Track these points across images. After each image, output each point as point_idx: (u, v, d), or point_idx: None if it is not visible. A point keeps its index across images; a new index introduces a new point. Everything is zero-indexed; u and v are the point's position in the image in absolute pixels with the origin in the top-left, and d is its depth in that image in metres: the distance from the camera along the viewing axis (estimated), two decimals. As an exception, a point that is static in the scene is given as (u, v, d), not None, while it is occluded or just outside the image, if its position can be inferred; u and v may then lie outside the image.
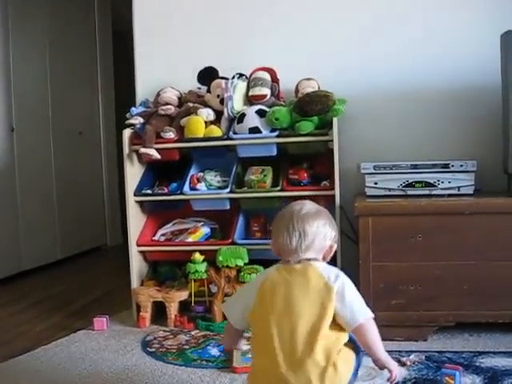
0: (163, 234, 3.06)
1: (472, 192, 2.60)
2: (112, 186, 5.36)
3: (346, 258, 2.72)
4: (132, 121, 2.95)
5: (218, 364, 2.29)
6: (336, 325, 1.64)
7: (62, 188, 4.67)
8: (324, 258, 1.77)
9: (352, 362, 1.67)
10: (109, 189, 5.36)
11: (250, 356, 2.20)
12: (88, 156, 5.13)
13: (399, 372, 1.78)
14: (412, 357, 2.25)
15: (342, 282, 1.68)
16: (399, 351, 2.33)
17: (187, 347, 2.49)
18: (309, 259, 1.71)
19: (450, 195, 2.60)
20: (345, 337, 1.67)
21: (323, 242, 1.74)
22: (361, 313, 1.67)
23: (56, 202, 4.62)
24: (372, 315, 1.70)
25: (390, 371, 1.73)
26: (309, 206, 1.79)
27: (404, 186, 2.64)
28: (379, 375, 2.10)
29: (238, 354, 2.28)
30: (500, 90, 2.61)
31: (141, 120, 2.94)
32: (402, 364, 2.21)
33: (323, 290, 1.65)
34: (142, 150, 2.86)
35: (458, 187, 2.61)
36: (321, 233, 1.73)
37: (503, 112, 2.59)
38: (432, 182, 2.62)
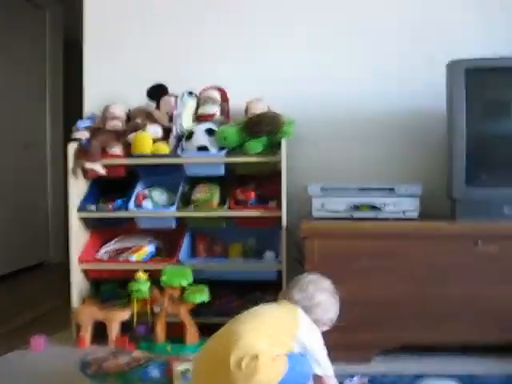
0: (106, 252, 2.99)
1: (416, 216, 2.62)
2: (57, 201, 5.21)
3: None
4: (78, 135, 2.88)
5: (159, 386, 2.23)
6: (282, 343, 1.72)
7: (4, 202, 4.52)
8: None
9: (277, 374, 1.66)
10: (54, 204, 5.21)
11: (189, 375, 2.19)
12: (33, 170, 4.99)
13: None
14: (355, 379, 2.25)
15: (312, 332, 1.85)
16: (343, 375, 2.32)
17: (127, 369, 2.42)
18: None
19: (395, 219, 2.62)
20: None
21: (321, 316, 1.91)
22: (321, 367, 1.82)
23: (-3, 217, 4.47)
24: (332, 374, 1.86)
25: None
26: (329, 283, 2.00)
27: (350, 209, 2.65)
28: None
29: (177, 374, 2.24)
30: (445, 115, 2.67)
31: (87, 135, 2.88)
32: (345, 387, 2.21)
33: (291, 318, 1.82)
34: (87, 165, 2.80)
35: (403, 211, 2.63)
36: (325, 307, 1.93)
37: (448, 139, 2.63)
38: (378, 205, 2.64)
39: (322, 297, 1.91)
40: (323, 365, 1.83)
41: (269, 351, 1.64)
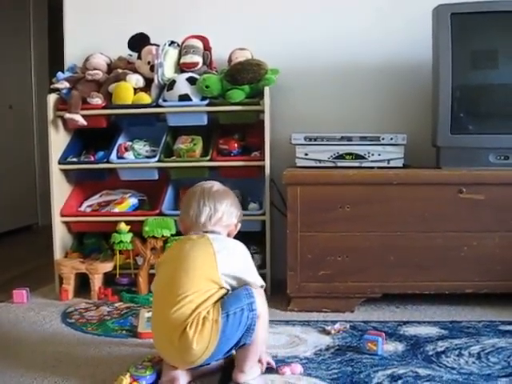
0: (89, 206, 2.95)
1: (401, 165, 2.59)
2: (44, 162, 5.13)
3: (276, 232, 2.69)
4: (57, 85, 2.82)
5: (139, 333, 2.22)
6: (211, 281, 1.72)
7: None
8: (229, 235, 1.93)
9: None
10: (41, 165, 5.13)
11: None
12: (19, 130, 4.92)
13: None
14: (337, 325, 2.23)
15: (232, 248, 1.83)
16: (325, 321, 2.32)
17: (108, 318, 2.41)
18: (213, 231, 1.85)
19: (379, 168, 2.58)
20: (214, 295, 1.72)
21: (230, 220, 1.90)
22: (253, 279, 1.80)
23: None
24: (261, 284, 1.83)
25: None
26: (218, 185, 1.95)
27: (334, 158, 2.61)
28: (303, 343, 2.09)
29: (142, 320, 2.26)
30: (431, 65, 2.62)
31: (67, 85, 2.81)
32: (327, 333, 2.19)
33: (207, 252, 1.76)
34: (67, 115, 2.74)
35: (388, 160, 2.59)
36: (229, 211, 1.89)
37: (433, 86, 2.60)
38: (362, 154, 2.60)
39: (220, 206, 1.86)
40: (254, 277, 1.82)
41: (197, 314, 1.65)
